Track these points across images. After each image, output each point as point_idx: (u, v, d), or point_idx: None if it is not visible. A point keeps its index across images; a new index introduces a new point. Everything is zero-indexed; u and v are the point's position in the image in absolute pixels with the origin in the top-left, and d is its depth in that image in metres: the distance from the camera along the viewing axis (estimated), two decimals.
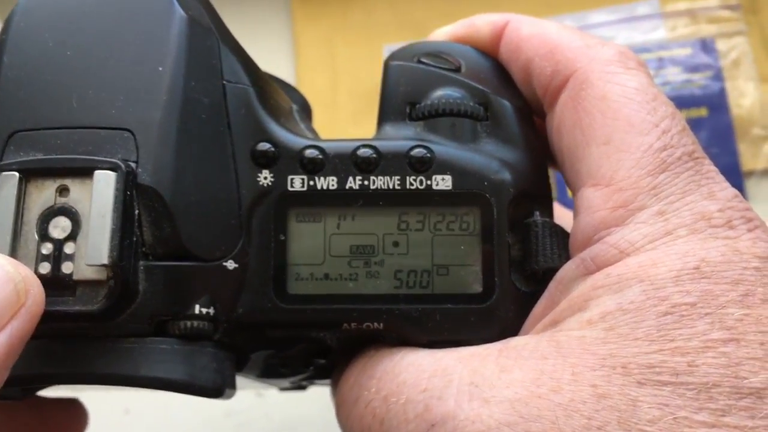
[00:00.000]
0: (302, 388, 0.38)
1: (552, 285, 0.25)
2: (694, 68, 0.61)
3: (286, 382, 0.35)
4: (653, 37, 0.63)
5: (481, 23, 0.30)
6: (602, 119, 0.25)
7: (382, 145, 0.26)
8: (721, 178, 0.24)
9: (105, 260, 0.22)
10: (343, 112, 0.64)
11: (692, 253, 0.22)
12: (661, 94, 0.26)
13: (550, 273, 0.25)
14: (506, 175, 0.26)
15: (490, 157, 0.26)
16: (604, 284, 0.22)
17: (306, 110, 0.34)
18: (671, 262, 0.22)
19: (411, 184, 0.26)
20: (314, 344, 0.27)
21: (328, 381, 0.34)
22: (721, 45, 0.62)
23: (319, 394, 0.48)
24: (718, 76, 0.61)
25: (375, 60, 0.67)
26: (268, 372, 0.30)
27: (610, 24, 0.64)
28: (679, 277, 0.21)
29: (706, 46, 0.62)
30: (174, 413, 0.58)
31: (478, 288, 0.25)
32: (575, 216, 0.25)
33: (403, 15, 0.69)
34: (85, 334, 0.23)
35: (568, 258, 0.25)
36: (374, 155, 0.26)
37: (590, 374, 0.20)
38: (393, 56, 0.29)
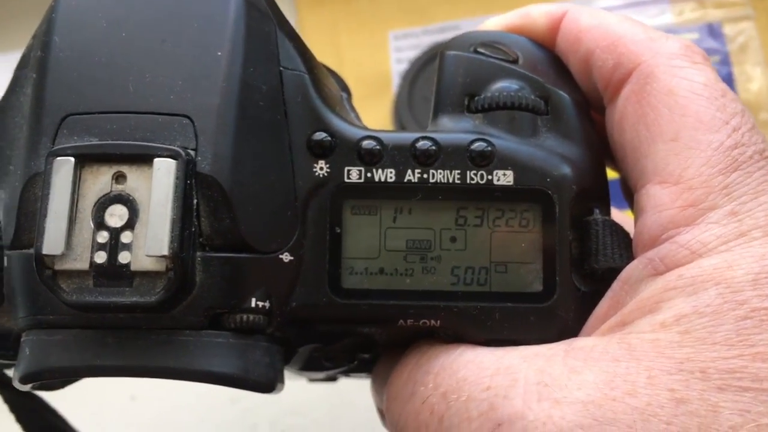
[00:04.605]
0: (333, 380, 0.38)
1: (616, 285, 0.24)
2: None
3: (321, 374, 0.34)
4: (660, 22, 0.63)
5: (537, 14, 0.29)
6: (669, 115, 0.24)
7: (442, 137, 0.25)
8: None
9: (165, 251, 0.21)
10: None
11: None
12: (729, 91, 0.25)
13: (610, 272, 0.25)
14: (569, 172, 0.25)
15: (552, 153, 0.26)
16: (676, 286, 0.22)
17: (350, 97, 0.33)
18: (748, 265, 0.21)
19: (471, 179, 0.25)
20: (363, 339, 0.27)
21: (363, 374, 0.34)
22: (728, 30, 0.62)
23: None
24: (726, 61, 0.61)
25: (380, 46, 0.67)
26: (311, 365, 0.30)
27: (616, 9, 0.64)
28: (758, 281, 0.21)
29: (713, 30, 0.62)
30: (180, 399, 0.58)
31: (538, 287, 0.25)
32: (639, 214, 0.25)
33: (408, 1, 0.68)
34: (139, 325, 0.23)
35: (629, 257, 0.25)
36: (434, 148, 0.25)
37: (667, 378, 0.20)
38: (448, 46, 0.28)
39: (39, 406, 0.35)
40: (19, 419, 0.35)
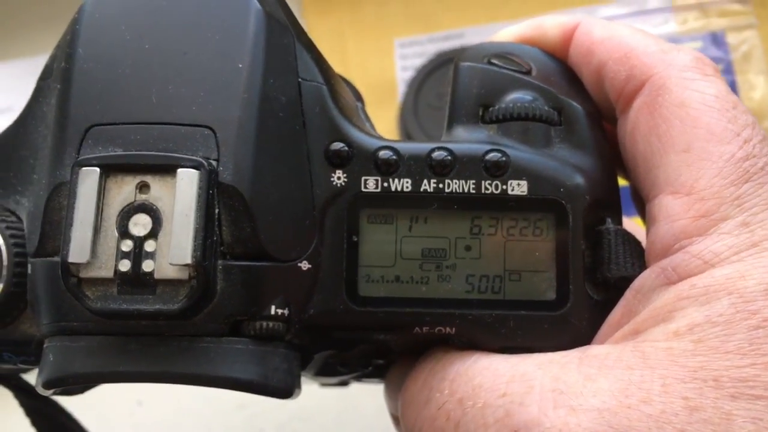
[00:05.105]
0: (345, 384, 0.38)
1: (629, 294, 0.25)
2: None
3: (334, 379, 0.35)
4: (664, 31, 0.63)
5: (549, 25, 0.29)
6: (681, 126, 0.25)
7: (457, 148, 0.26)
8: None
9: (188, 260, 0.22)
10: None
11: None
12: (740, 103, 0.26)
13: (622, 281, 0.25)
14: (582, 182, 0.26)
15: (565, 163, 0.26)
16: (689, 295, 0.22)
17: (363, 105, 0.34)
18: (760, 275, 0.22)
19: (486, 189, 0.25)
20: (378, 345, 0.27)
21: (376, 380, 0.34)
22: (731, 38, 0.62)
23: None
24: (729, 70, 0.61)
25: (386, 53, 0.67)
26: (326, 370, 0.30)
27: (620, 18, 0.64)
28: None
29: (716, 39, 0.62)
30: (187, 405, 0.58)
31: (551, 295, 0.25)
32: (651, 224, 0.25)
33: (413, 8, 0.68)
34: (161, 332, 0.23)
35: (641, 266, 0.25)
36: (449, 158, 0.25)
37: (681, 386, 0.20)
38: (462, 57, 0.29)
39: (55, 410, 0.35)
40: (35, 423, 0.35)
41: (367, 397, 0.55)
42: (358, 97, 0.32)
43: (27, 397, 0.34)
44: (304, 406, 0.57)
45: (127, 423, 0.59)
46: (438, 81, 0.62)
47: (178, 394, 0.58)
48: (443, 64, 0.63)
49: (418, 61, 0.65)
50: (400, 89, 0.65)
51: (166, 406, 0.59)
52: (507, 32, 0.31)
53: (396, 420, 0.31)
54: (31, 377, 0.32)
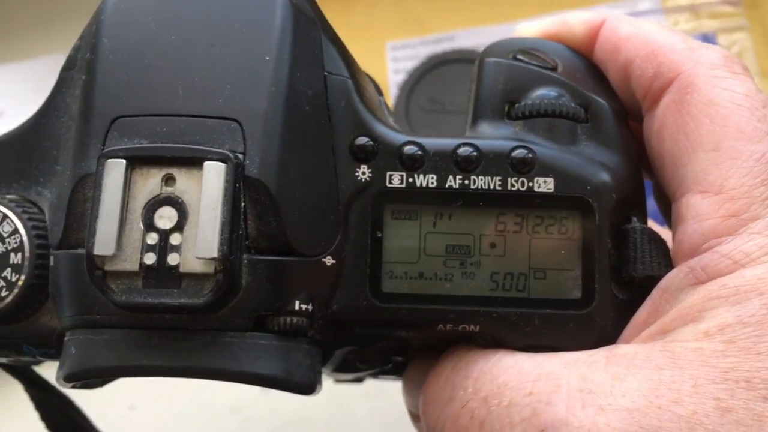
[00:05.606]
0: (360, 381, 0.38)
1: (655, 293, 0.24)
2: None
3: (350, 376, 0.34)
4: None
5: (575, 21, 0.29)
6: (710, 125, 0.24)
7: (483, 144, 0.25)
8: None
9: (215, 253, 0.22)
10: None
11: None
12: None
13: (648, 281, 0.25)
14: (609, 180, 0.25)
15: (592, 161, 0.26)
16: (719, 295, 0.22)
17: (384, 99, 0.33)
18: None
19: (512, 186, 0.25)
20: (399, 342, 0.27)
21: (393, 377, 0.34)
22: (722, 40, 0.62)
23: (324, 387, 0.47)
24: None
25: (377, 56, 0.67)
26: (344, 366, 0.30)
27: None
28: None
29: (707, 41, 0.62)
30: (180, 409, 0.57)
31: (577, 294, 0.25)
32: (678, 223, 0.25)
33: (405, 11, 0.68)
34: (184, 326, 0.23)
35: (667, 266, 0.25)
36: (475, 154, 0.25)
37: (712, 387, 0.20)
38: (487, 52, 0.28)
39: (66, 404, 0.35)
40: (44, 416, 0.35)
41: (359, 402, 0.55)
42: (379, 91, 0.32)
43: (38, 390, 0.34)
44: (297, 410, 0.56)
45: (120, 427, 0.58)
46: (430, 84, 0.62)
47: (172, 398, 0.58)
48: (435, 67, 0.63)
49: (410, 64, 0.65)
50: (392, 92, 0.65)
51: (159, 411, 0.58)
52: (531, 27, 0.30)
53: (415, 417, 0.30)
54: (41, 370, 0.32)
